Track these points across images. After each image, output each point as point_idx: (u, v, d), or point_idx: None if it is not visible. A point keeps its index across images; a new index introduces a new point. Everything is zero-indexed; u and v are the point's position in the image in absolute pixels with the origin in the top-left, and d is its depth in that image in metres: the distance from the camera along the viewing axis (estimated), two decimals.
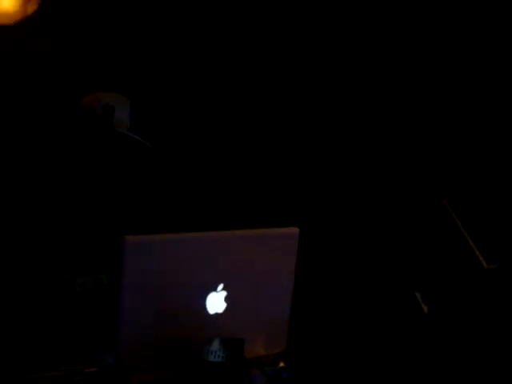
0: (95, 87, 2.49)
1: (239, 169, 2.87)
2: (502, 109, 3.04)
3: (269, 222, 2.33)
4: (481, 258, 2.76)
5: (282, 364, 1.95)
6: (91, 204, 2.18)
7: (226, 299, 1.84)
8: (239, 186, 2.93)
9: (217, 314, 1.84)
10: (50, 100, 2.76)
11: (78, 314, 2.01)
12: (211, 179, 2.78)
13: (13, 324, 1.93)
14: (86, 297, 2.06)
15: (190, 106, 2.94)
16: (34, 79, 2.83)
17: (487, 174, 3.06)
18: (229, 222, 2.67)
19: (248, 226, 1.95)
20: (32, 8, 2.80)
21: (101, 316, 1.98)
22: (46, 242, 2.09)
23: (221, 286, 1.83)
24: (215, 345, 1.73)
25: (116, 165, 2.22)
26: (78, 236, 2.14)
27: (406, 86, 3.05)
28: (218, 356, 1.71)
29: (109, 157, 2.21)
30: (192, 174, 2.77)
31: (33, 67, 2.85)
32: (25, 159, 2.53)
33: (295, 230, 1.97)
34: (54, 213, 2.13)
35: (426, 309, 2.39)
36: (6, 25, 2.76)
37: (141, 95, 2.68)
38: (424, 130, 3.04)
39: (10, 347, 1.82)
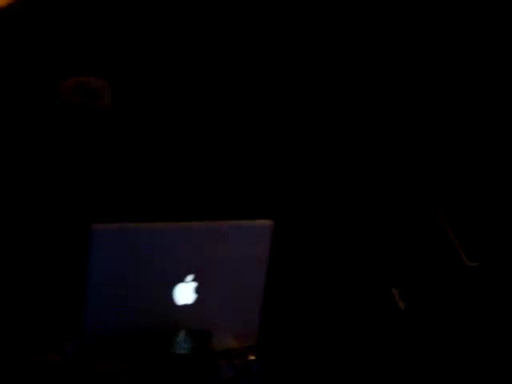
0: (74, 71, 2.47)
1: (214, 159, 2.85)
2: (485, 109, 3.02)
3: (243, 215, 2.31)
4: (463, 256, 2.75)
5: (252, 357, 1.94)
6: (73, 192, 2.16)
7: (196, 290, 1.83)
8: (213, 176, 2.89)
9: (186, 306, 1.82)
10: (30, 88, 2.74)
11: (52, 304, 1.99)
12: (186, 168, 2.76)
13: None
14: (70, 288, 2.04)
15: (169, 90, 2.89)
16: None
17: (472, 173, 3.04)
18: (201, 213, 2.65)
19: (221, 218, 1.94)
20: None
21: (69, 305, 1.97)
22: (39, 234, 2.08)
23: (190, 277, 1.81)
24: (181, 336, 1.72)
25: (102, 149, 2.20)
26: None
27: (391, 86, 3.02)
28: (184, 348, 1.70)
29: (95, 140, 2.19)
30: (169, 163, 2.75)
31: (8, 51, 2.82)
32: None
33: (269, 223, 1.96)
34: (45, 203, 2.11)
35: (402, 305, 2.38)
36: None
37: (120, 78, 2.65)
38: (409, 128, 3.02)
39: None
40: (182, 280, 1.80)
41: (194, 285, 1.83)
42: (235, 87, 2.97)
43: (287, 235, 2.23)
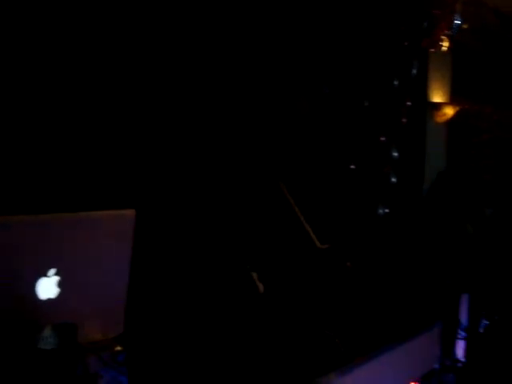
0: None
1: (74, 149, 2.77)
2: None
3: (104, 205, 2.27)
4: (314, 239, 2.91)
5: (118, 348, 1.93)
6: None
7: (59, 284, 1.79)
8: (73, 167, 2.81)
9: (49, 300, 1.78)
10: None
11: None
12: (45, 159, 2.66)
13: None
14: None
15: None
16: None
17: (324, 162, 3.21)
18: (61, 205, 2.57)
19: (81, 209, 1.90)
20: None
21: None
22: None
23: (53, 271, 1.77)
24: (46, 331, 1.68)
25: None
26: None
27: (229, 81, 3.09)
28: (50, 343, 1.66)
29: None
30: (27, 154, 2.63)
31: None
32: None
33: (131, 212, 1.95)
34: None
35: (261, 287, 2.47)
36: None
37: None
38: (258, 120, 3.13)
39: None
40: (44, 274, 1.76)
41: (56, 279, 1.79)
42: (94, 76, 2.88)
43: (148, 224, 2.23)
